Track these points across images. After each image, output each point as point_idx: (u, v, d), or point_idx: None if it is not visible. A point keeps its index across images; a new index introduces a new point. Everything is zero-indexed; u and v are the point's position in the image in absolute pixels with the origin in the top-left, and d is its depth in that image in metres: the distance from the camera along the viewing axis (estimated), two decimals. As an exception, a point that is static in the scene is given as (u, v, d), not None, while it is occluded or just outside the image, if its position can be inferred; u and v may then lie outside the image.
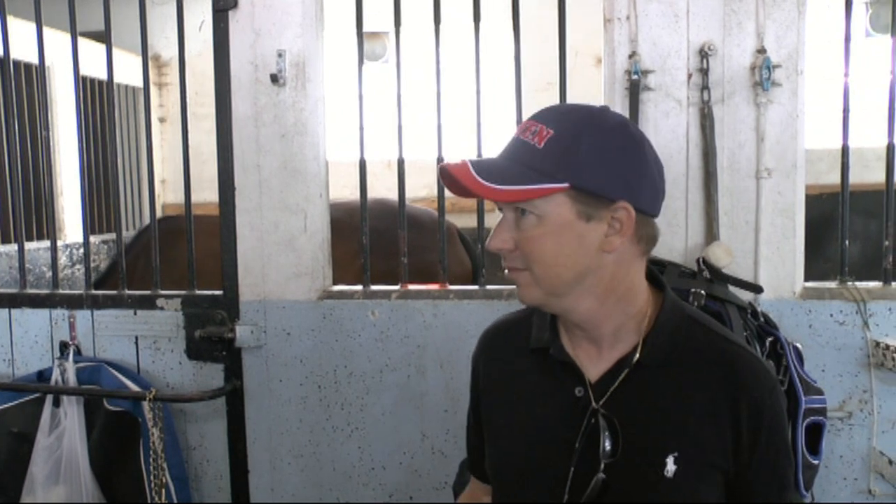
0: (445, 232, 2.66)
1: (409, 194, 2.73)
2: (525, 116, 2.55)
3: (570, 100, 2.35)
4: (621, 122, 1.36)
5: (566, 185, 1.28)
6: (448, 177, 1.37)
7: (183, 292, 2.73)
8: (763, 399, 1.33)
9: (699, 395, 1.34)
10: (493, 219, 1.42)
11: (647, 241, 1.37)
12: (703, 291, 2.18)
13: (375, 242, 2.72)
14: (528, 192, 1.29)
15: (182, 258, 2.82)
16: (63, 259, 4.64)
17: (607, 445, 1.35)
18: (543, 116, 1.36)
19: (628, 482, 1.34)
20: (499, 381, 1.56)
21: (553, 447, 1.41)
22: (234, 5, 2.58)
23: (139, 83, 3.01)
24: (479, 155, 2.54)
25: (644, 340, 1.37)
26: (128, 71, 5.03)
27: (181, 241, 2.87)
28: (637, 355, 1.37)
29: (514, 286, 2.53)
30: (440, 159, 2.59)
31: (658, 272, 1.46)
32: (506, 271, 1.39)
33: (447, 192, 2.61)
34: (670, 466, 1.32)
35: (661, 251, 2.36)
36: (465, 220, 5.24)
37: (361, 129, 2.66)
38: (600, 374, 1.39)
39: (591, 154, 1.29)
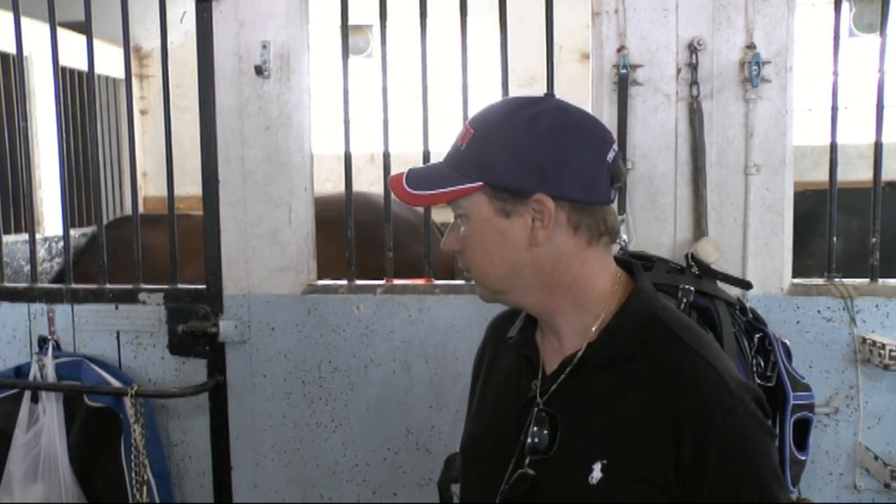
0: (430, 226, 2.64)
1: (393, 188, 2.70)
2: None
3: (556, 95, 2.33)
4: (539, 112, 1.30)
5: (479, 183, 1.30)
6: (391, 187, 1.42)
7: (165, 286, 2.70)
8: (715, 419, 1.21)
9: (642, 403, 1.26)
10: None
11: (589, 230, 1.31)
12: (691, 287, 2.17)
13: (365, 236, 2.69)
14: (444, 195, 1.33)
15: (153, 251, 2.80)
16: (42, 252, 4.56)
17: (531, 439, 1.33)
18: (473, 117, 1.38)
19: (555, 483, 1.31)
20: (487, 367, 1.57)
21: (503, 437, 1.40)
22: (218, -5, 2.55)
23: (120, 74, 2.97)
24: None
25: (594, 338, 1.33)
26: (108, 62, 4.97)
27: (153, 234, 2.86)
28: (580, 353, 1.33)
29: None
30: (426, 153, 2.57)
31: (638, 268, 1.41)
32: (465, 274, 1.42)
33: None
34: (596, 473, 1.26)
35: (649, 247, 2.36)
36: (449, 215, 5.23)
37: (346, 122, 2.63)
38: (552, 370, 1.38)
39: (501, 149, 1.30)
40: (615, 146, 1.34)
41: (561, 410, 1.34)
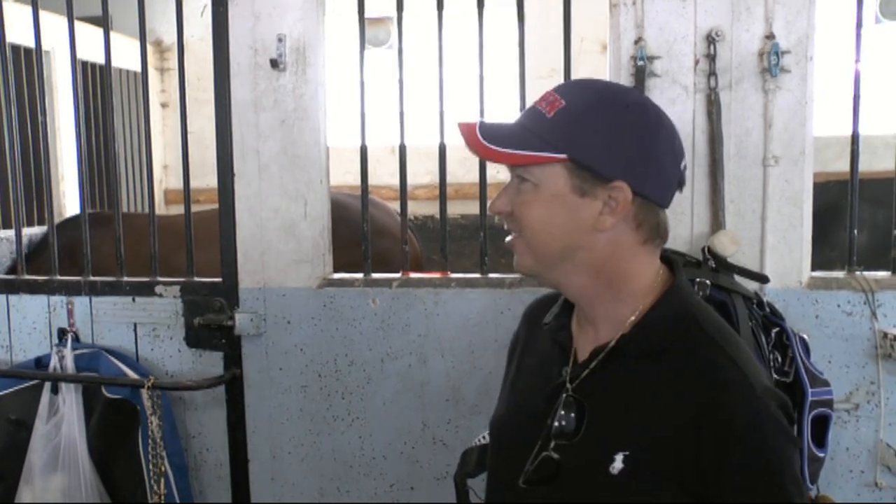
0: (447, 219, 2.63)
1: (411, 180, 2.70)
2: (528, 104, 2.52)
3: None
4: (640, 104, 1.34)
5: (564, 156, 1.28)
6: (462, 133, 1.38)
7: (182, 279, 2.71)
8: (737, 424, 1.22)
9: (668, 399, 1.27)
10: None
11: (650, 229, 1.34)
12: (708, 281, 2.15)
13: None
14: (524, 158, 1.30)
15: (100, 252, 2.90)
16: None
17: (558, 423, 1.34)
18: (562, 88, 1.36)
19: (578, 470, 1.32)
20: (521, 352, 1.58)
21: (532, 420, 1.41)
22: (234, -12, 2.55)
23: (141, 68, 3.01)
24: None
25: (627, 330, 1.34)
26: (131, 56, 4.99)
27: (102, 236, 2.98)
28: (612, 343, 1.34)
29: (517, 275, 2.52)
30: (442, 146, 2.56)
31: (678, 264, 1.41)
32: (506, 239, 1.39)
33: (449, 179, 2.61)
34: (617, 464, 1.27)
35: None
36: (468, 207, 5.22)
37: (363, 115, 2.63)
38: (584, 358, 1.38)
39: (595, 130, 1.29)
40: (685, 157, 1.38)
41: (589, 398, 1.35)
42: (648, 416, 1.28)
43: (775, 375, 2.06)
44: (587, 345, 1.40)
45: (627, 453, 1.27)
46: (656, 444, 1.26)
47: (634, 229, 1.33)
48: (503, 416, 1.55)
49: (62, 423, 2.68)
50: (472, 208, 5.03)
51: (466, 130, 1.35)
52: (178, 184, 6.10)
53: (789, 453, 1.25)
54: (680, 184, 1.37)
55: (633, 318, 1.34)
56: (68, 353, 2.70)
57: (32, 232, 4.00)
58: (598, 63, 5.02)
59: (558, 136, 1.29)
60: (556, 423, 1.34)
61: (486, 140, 1.33)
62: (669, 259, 1.42)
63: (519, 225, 1.35)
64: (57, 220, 3.40)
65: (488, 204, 1.40)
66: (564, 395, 1.36)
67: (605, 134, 1.29)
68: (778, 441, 1.23)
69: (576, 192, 1.29)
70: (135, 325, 2.75)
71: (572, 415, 1.34)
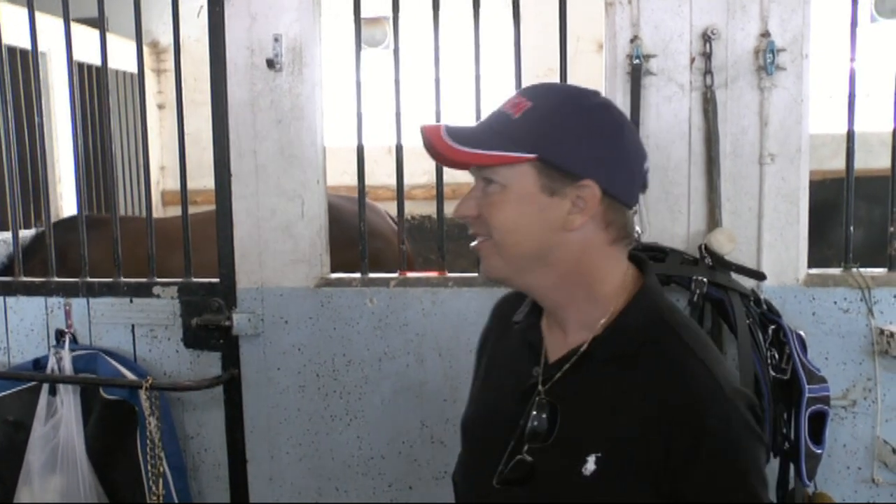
0: (444, 219, 2.63)
1: (408, 180, 2.70)
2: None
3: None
4: (603, 105, 1.35)
5: (532, 155, 1.28)
6: (424, 137, 1.37)
7: (179, 280, 2.71)
8: (707, 425, 1.22)
9: (639, 401, 1.27)
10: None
11: (618, 229, 1.34)
12: (704, 279, 2.16)
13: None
14: (492, 158, 1.30)
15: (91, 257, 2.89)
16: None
17: (531, 425, 1.34)
18: (527, 91, 1.36)
19: (552, 472, 1.33)
20: (491, 349, 1.58)
21: (503, 420, 1.41)
22: (230, -11, 2.55)
23: (138, 69, 3.01)
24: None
25: (599, 332, 1.34)
26: (127, 58, 4.99)
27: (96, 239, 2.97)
28: (585, 346, 1.34)
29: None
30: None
31: (648, 265, 1.41)
32: (471, 244, 1.38)
33: (446, 178, 2.61)
34: (590, 466, 1.27)
35: (663, 238, 2.34)
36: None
37: (359, 115, 2.63)
38: (556, 359, 1.38)
39: (563, 129, 1.29)
40: (647, 157, 1.39)
41: (561, 400, 1.35)
42: (620, 418, 1.28)
43: (773, 372, 2.07)
44: (557, 346, 1.39)
45: (600, 455, 1.27)
46: (627, 446, 1.26)
47: (604, 229, 1.32)
48: (475, 415, 1.54)
49: (60, 425, 2.68)
50: (470, 208, 5.05)
51: (431, 132, 1.34)
52: (175, 185, 6.10)
53: (757, 452, 1.26)
54: (643, 185, 1.37)
55: (603, 320, 1.34)
56: (66, 355, 2.70)
57: (21, 235, 3.99)
58: (594, 62, 5.02)
59: (526, 136, 1.29)
60: (529, 425, 1.35)
61: (454, 141, 1.32)
62: (638, 259, 1.42)
63: (487, 228, 1.34)
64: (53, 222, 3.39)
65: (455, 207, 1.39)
66: (537, 398, 1.36)
67: (573, 133, 1.29)
68: (746, 441, 1.24)
69: (545, 192, 1.29)
70: (132, 326, 2.75)
71: (545, 416, 1.34)
